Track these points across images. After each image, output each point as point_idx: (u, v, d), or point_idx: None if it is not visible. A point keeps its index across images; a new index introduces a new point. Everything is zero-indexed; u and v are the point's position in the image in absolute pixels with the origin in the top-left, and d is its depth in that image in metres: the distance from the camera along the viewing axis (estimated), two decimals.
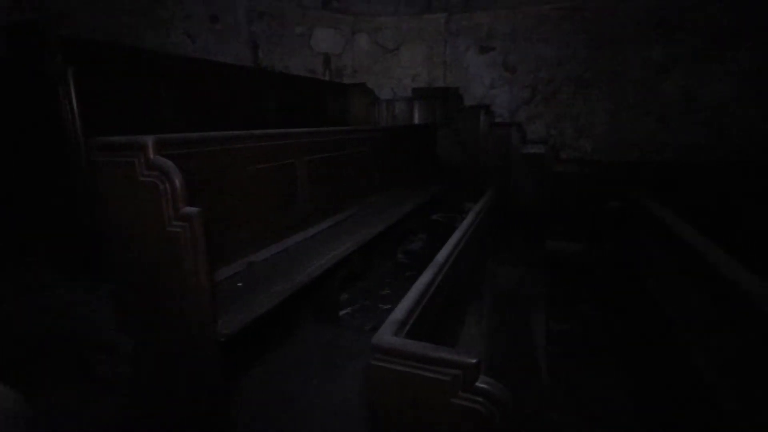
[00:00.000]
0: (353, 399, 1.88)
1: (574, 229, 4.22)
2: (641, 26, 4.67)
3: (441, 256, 1.81)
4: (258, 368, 2.20)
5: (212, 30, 4.58)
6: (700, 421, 1.71)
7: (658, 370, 2.28)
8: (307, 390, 1.97)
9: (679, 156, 4.60)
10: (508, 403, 1.08)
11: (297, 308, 2.22)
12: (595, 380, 2.57)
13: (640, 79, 4.76)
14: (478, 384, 1.07)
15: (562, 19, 4.99)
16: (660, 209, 2.31)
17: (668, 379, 2.13)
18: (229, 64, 4.27)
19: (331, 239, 2.40)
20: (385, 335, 1.20)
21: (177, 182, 1.36)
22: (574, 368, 2.61)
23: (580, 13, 4.91)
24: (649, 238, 2.46)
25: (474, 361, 1.06)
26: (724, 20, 4.32)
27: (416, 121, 5.38)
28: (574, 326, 2.95)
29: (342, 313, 2.72)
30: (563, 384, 2.46)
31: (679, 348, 1.91)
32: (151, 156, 1.38)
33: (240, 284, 1.75)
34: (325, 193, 2.80)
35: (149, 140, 1.39)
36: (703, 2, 4.38)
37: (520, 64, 5.29)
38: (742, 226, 3.36)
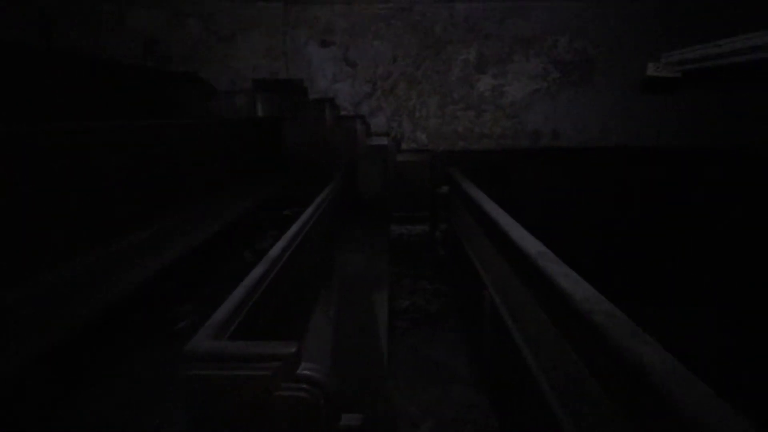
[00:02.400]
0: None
1: (415, 212, 4.65)
2: (458, 30, 5.32)
3: (275, 250, 1.78)
4: (69, 411, 1.85)
5: None
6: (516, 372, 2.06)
7: (482, 329, 2.67)
8: (134, 424, 1.73)
9: (492, 145, 5.43)
10: (331, 384, 1.12)
11: (115, 330, 1.93)
12: (436, 347, 2.88)
13: (461, 78, 5.43)
14: (299, 372, 1.09)
15: (394, 18, 5.35)
16: (472, 189, 2.70)
17: (490, 338, 2.51)
18: (13, 43, 3.42)
19: (156, 246, 2.15)
20: (201, 341, 1.12)
21: None
22: (416, 339, 2.89)
23: (408, 13, 5.34)
24: (467, 214, 2.85)
25: (293, 350, 1.07)
26: (518, 30, 5.22)
27: (260, 113, 5.16)
28: (416, 301, 3.26)
29: (180, 325, 2.47)
30: (407, 354, 2.71)
31: (491, 305, 2.26)
32: None
33: (24, 311, 1.43)
34: (148, 195, 2.48)
35: None
36: (503, 15, 5.21)
37: (359, 60, 5.49)
38: (537, 197, 4.24)
